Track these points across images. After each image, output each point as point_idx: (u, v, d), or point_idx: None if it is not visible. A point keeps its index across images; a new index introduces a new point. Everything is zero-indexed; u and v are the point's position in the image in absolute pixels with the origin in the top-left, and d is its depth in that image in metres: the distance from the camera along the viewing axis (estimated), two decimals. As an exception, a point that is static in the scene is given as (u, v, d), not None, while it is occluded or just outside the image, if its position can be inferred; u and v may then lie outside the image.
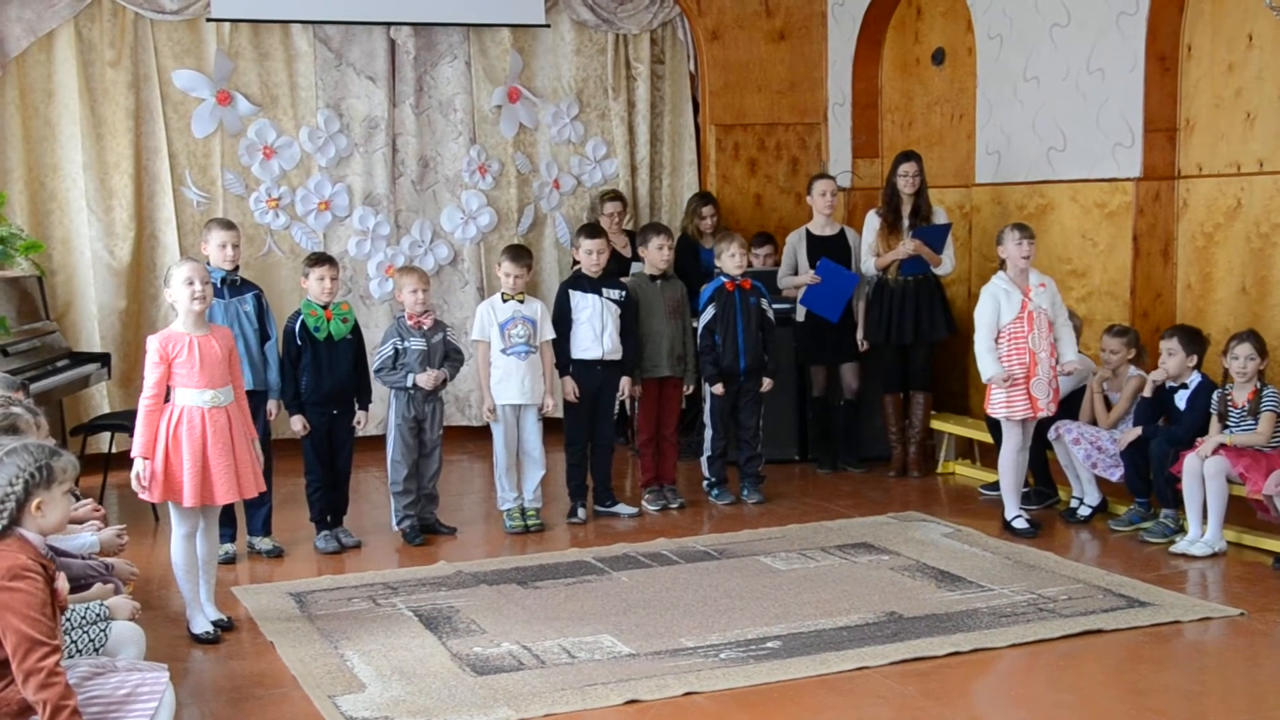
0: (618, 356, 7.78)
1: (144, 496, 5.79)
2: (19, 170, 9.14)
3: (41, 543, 3.86)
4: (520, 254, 7.64)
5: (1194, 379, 7.16)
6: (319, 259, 7.29)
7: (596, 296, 7.73)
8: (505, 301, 7.52)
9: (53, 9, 9.08)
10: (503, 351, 7.46)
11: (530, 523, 7.58)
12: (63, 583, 3.97)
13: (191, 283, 5.73)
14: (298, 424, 7.17)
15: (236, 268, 7.10)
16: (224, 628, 5.95)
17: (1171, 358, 7.17)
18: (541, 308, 7.64)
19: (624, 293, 7.92)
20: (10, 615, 3.59)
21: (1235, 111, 7.93)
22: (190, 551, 5.85)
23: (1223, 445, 6.78)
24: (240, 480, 5.83)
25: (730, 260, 8.11)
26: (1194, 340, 7.20)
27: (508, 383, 7.49)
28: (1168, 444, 7.07)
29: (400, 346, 7.28)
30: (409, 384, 7.26)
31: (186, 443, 5.69)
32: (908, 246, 8.55)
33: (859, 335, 8.80)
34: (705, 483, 8.32)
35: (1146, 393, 7.32)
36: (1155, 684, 5.19)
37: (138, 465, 5.72)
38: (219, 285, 6.85)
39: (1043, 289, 7.43)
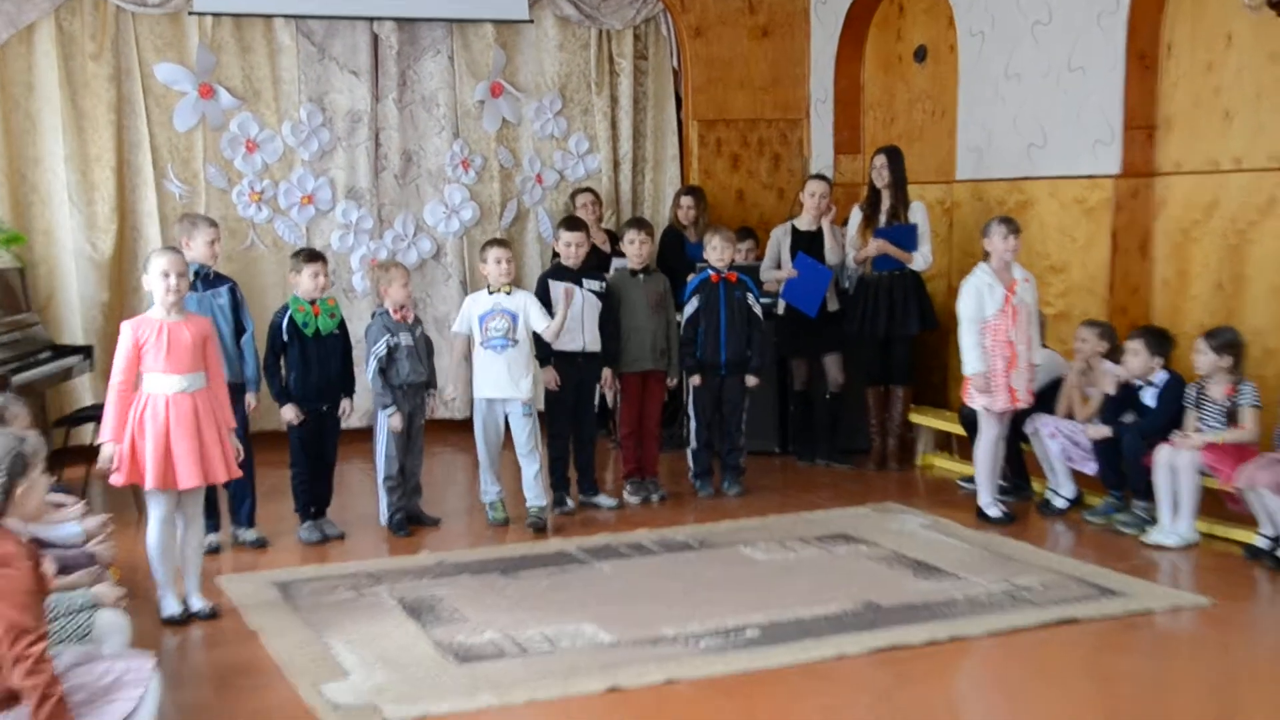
0: (598, 348, 7.84)
1: (114, 480, 5.87)
2: (1, 162, 9.15)
3: (23, 530, 3.89)
4: (504, 241, 7.71)
5: (1160, 376, 7.28)
6: (312, 255, 7.29)
7: (576, 287, 7.76)
8: (491, 294, 7.53)
9: (33, 1, 9.09)
10: (480, 345, 7.48)
11: (531, 522, 7.44)
12: (49, 565, 4.02)
13: (168, 275, 5.82)
14: (290, 413, 7.18)
15: (215, 262, 7.14)
16: (207, 616, 6.02)
17: (1135, 358, 7.30)
18: (527, 299, 7.57)
19: (604, 284, 7.98)
20: (-2, 603, 3.63)
21: (1214, 110, 8.02)
22: (165, 535, 5.94)
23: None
24: (206, 465, 5.88)
25: (713, 253, 8.17)
26: (1159, 341, 7.32)
27: (484, 376, 7.49)
28: (1140, 438, 7.18)
29: (392, 343, 7.30)
30: (388, 413, 7.29)
31: (150, 426, 5.79)
32: (872, 247, 8.67)
33: None
34: (690, 473, 8.39)
35: (1110, 390, 7.44)
36: (1127, 671, 5.28)
37: (107, 449, 5.82)
38: (195, 279, 6.86)
39: (1026, 284, 7.52)
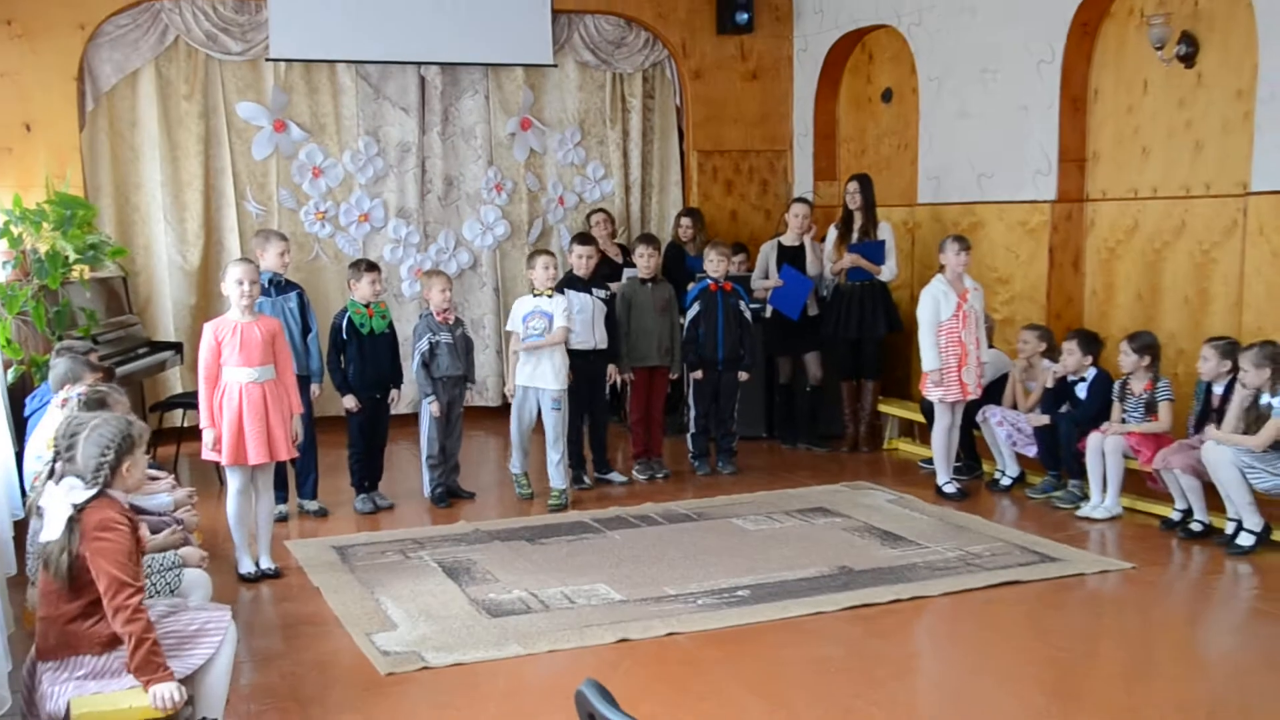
0: (605, 346, 7.78)
1: (207, 456, 5.92)
2: (108, 187, 9.19)
3: (125, 499, 3.90)
4: (550, 251, 7.55)
5: (1091, 372, 7.25)
6: (370, 265, 7.23)
7: (588, 295, 7.70)
8: (535, 296, 7.38)
9: (138, 51, 9.16)
10: (522, 340, 7.34)
11: (552, 503, 7.32)
12: (145, 531, 4.03)
13: (241, 283, 5.84)
14: (350, 402, 7.16)
15: (285, 270, 7.13)
16: (274, 576, 6.01)
17: (1070, 356, 7.28)
18: (560, 303, 7.35)
19: (609, 292, 7.93)
20: (103, 560, 3.62)
21: (1133, 146, 7.98)
22: (241, 504, 5.96)
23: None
24: (272, 445, 5.91)
25: (711, 265, 8.11)
26: (1091, 342, 7.29)
27: (523, 367, 7.35)
28: (1073, 425, 7.15)
29: (433, 341, 7.25)
30: (429, 401, 7.23)
31: (225, 411, 5.82)
32: (845, 260, 8.63)
33: None
34: (690, 454, 8.35)
35: (1048, 384, 7.41)
36: (1061, 625, 5.27)
37: (207, 435, 5.85)
38: (266, 286, 6.85)
39: (976, 293, 7.49)
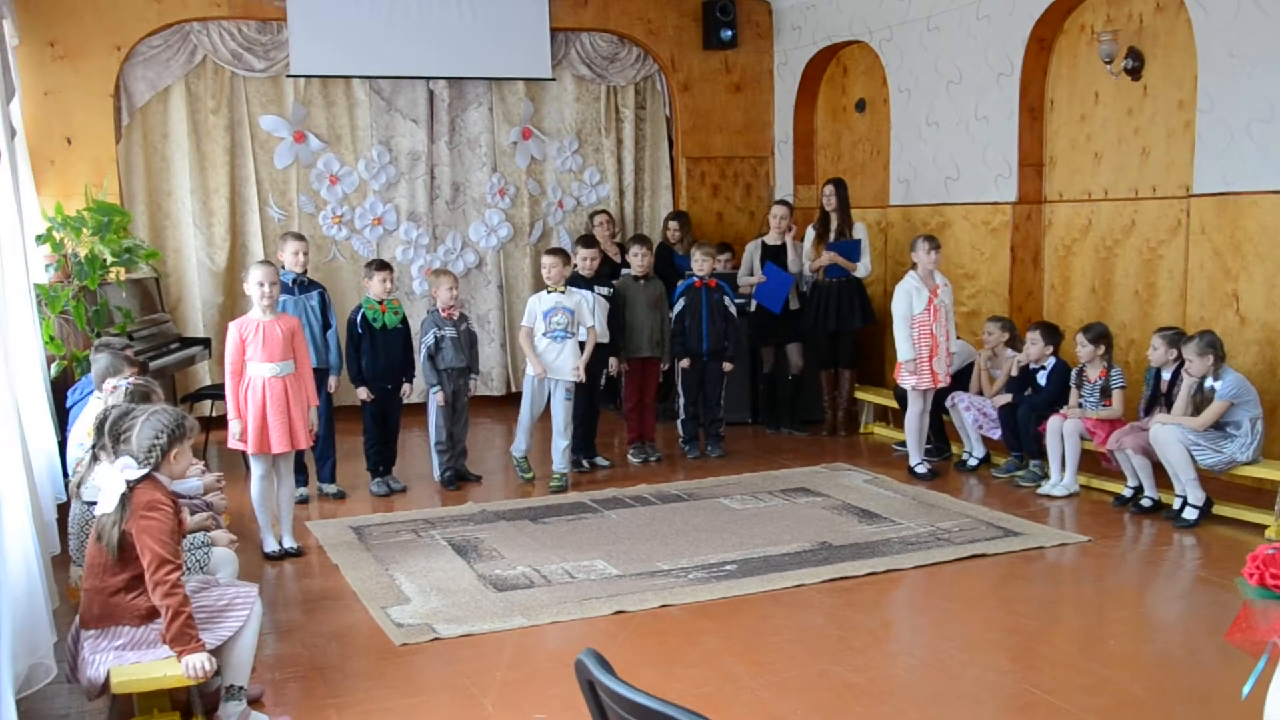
0: (606, 340, 7.75)
1: (233, 445, 5.90)
2: (142, 195, 9.18)
3: (169, 484, 3.91)
4: (558, 250, 7.46)
5: (1050, 361, 7.25)
6: (381, 265, 7.18)
7: (590, 293, 7.68)
8: (550, 293, 7.33)
9: (169, 70, 9.14)
10: (543, 334, 7.28)
11: (553, 485, 7.30)
12: (185, 514, 4.04)
13: (262, 284, 5.81)
14: (363, 393, 7.13)
15: (305, 270, 7.09)
16: (296, 554, 6.00)
17: (1033, 346, 7.27)
18: (582, 300, 7.30)
19: (611, 290, 7.91)
20: (148, 537, 3.65)
21: (1086, 152, 7.98)
22: (264, 488, 5.95)
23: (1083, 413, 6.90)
24: (293, 435, 5.89)
25: (696, 264, 8.10)
26: (1051, 333, 7.29)
27: (541, 357, 7.28)
28: (1031, 410, 7.16)
29: (438, 335, 7.24)
30: (434, 391, 7.19)
31: (250, 403, 5.80)
32: (823, 258, 8.62)
33: None
34: (680, 439, 8.33)
35: (1013, 372, 7.41)
36: (1024, 594, 5.27)
37: (234, 426, 5.83)
38: (290, 285, 6.83)
39: (945, 288, 7.48)
